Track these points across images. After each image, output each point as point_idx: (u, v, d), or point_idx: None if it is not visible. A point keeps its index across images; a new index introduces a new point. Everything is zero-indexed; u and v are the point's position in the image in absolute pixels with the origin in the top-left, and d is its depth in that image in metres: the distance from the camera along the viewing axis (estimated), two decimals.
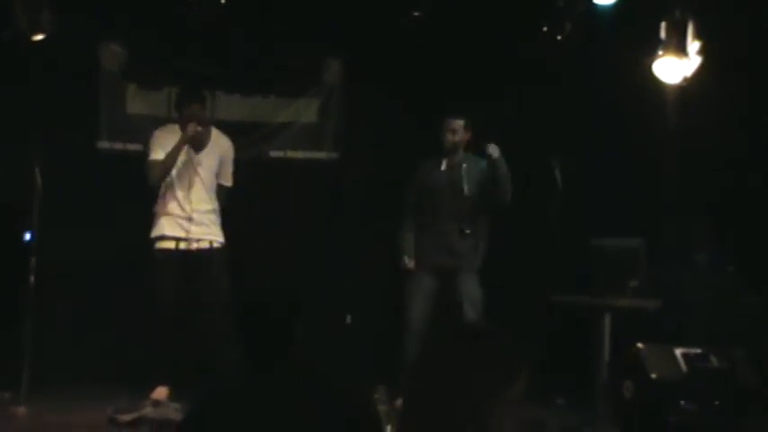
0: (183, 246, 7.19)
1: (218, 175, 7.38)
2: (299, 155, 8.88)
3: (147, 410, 6.60)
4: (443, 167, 7.52)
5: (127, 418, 6.52)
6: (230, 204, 7.46)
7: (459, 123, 7.49)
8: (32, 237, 6.90)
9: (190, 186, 7.23)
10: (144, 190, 7.49)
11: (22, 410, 6.57)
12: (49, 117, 7.97)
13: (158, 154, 7.19)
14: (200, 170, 7.25)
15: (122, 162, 8.35)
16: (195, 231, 7.20)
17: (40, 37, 7.28)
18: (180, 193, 7.22)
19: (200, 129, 7.18)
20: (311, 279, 8.21)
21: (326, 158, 8.97)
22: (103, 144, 8.51)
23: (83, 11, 7.85)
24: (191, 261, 7.18)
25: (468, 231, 7.45)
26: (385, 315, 8.38)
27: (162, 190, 7.27)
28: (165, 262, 7.16)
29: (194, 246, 7.19)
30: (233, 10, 7.99)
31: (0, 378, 6.97)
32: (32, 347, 6.72)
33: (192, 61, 8.43)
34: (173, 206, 7.21)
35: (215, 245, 7.27)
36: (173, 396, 6.91)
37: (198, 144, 7.27)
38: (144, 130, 8.46)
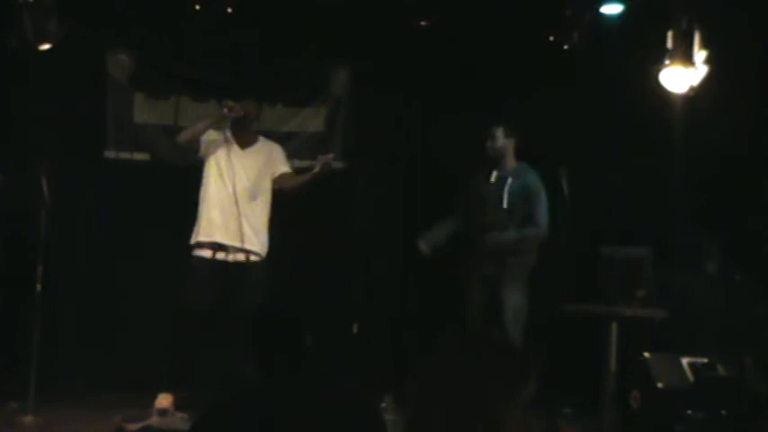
0: (220, 256, 6.66)
1: (270, 173, 6.88)
2: (307, 164, 8.83)
3: (154, 420, 6.59)
4: (492, 179, 7.32)
5: (134, 427, 6.52)
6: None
7: (498, 130, 7.30)
8: (39, 245, 6.89)
9: (233, 187, 6.68)
10: (151, 200, 7.45)
11: (29, 420, 6.55)
12: (57, 126, 7.98)
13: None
14: (243, 168, 6.77)
15: (129, 171, 8.35)
16: (234, 239, 6.63)
17: (47, 46, 7.29)
18: (220, 195, 6.67)
19: (238, 109, 6.61)
20: (319, 288, 8.20)
21: (334, 167, 8.94)
22: (110, 153, 8.49)
23: (90, 20, 7.87)
24: (226, 273, 6.63)
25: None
26: (393, 324, 8.37)
27: (201, 192, 6.76)
28: (198, 271, 6.66)
29: (231, 257, 6.64)
30: (240, 18, 8.00)
31: (7, 387, 6.97)
32: (39, 356, 6.70)
33: (200, 70, 8.44)
34: (211, 210, 6.67)
35: (252, 258, 6.74)
36: (178, 404, 6.83)
37: (241, 139, 6.78)
38: (151, 140, 8.46)
